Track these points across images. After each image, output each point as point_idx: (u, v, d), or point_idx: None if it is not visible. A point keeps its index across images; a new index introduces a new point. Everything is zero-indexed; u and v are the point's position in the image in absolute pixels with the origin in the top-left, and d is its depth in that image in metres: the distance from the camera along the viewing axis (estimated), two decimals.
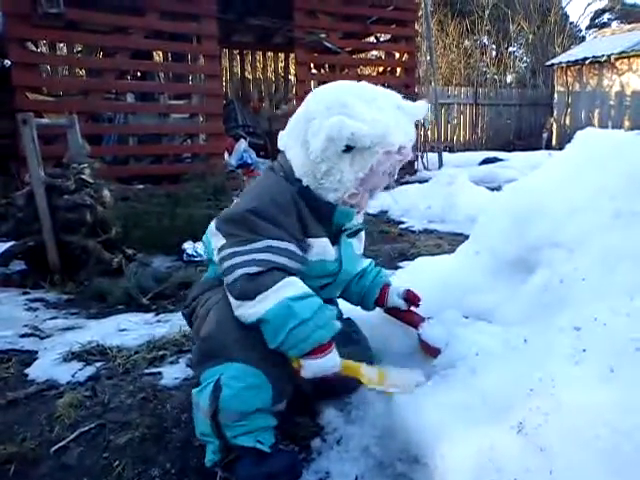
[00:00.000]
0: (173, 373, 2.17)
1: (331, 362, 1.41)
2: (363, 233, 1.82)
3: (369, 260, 1.98)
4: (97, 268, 3.51)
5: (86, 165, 3.71)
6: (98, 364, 2.25)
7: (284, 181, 1.55)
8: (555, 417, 1.17)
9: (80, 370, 2.19)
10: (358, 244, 1.79)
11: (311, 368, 1.38)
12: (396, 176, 1.62)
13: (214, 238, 1.52)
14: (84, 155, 3.84)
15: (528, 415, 1.21)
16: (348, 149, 1.45)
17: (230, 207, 1.57)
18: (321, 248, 1.57)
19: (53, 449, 1.67)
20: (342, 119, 1.40)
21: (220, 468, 1.49)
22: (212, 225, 1.56)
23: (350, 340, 1.77)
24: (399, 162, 1.56)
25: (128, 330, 2.67)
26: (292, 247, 1.44)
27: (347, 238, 1.70)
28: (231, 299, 1.40)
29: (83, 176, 3.63)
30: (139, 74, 8.43)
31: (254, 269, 1.36)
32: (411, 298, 1.87)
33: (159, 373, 2.17)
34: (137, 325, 2.74)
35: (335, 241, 1.64)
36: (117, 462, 1.60)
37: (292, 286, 1.37)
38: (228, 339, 1.41)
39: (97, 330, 2.65)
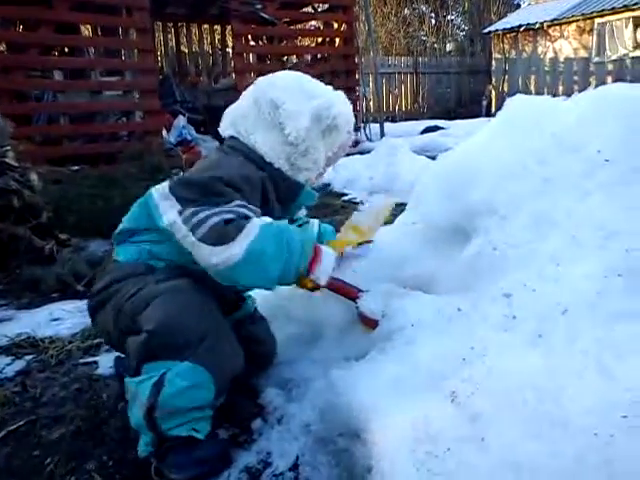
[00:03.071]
0: (109, 361, 2.06)
1: (330, 254, 1.60)
2: None
3: None
4: (28, 256, 3.34)
5: (9, 148, 3.50)
6: (29, 357, 2.16)
7: (249, 163, 1.58)
8: (486, 385, 1.18)
9: (9, 365, 2.09)
10: None
11: (324, 272, 1.57)
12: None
13: (164, 202, 1.44)
14: (6, 137, 3.62)
15: (460, 384, 1.22)
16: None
17: (186, 174, 1.52)
18: None
19: None
20: (329, 100, 1.60)
21: (154, 458, 1.44)
22: (160, 188, 1.49)
23: (252, 317, 1.86)
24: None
25: (62, 319, 2.58)
26: (258, 211, 1.47)
27: None
28: (207, 248, 1.34)
29: (6, 159, 3.43)
30: (66, 50, 8.00)
31: (230, 216, 1.36)
32: None
33: (95, 362, 2.11)
34: (71, 314, 2.63)
35: None
36: (49, 459, 1.54)
37: (264, 218, 1.42)
38: (180, 336, 1.35)
39: (28, 321, 2.54)
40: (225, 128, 1.69)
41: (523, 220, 1.75)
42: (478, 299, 1.52)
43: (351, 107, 1.72)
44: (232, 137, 1.66)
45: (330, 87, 1.72)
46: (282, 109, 1.58)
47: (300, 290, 1.98)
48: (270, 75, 1.71)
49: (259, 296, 1.95)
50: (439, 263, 2.00)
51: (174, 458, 1.41)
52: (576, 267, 1.42)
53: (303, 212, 1.84)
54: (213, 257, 1.34)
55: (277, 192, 1.62)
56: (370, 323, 1.77)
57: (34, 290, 3.04)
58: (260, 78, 1.71)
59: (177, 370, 1.34)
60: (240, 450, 1.53)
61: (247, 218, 1.38)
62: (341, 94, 1.71)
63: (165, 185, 1.49)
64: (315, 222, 2.03)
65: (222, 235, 1.33)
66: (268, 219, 1.43)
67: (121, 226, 1.62)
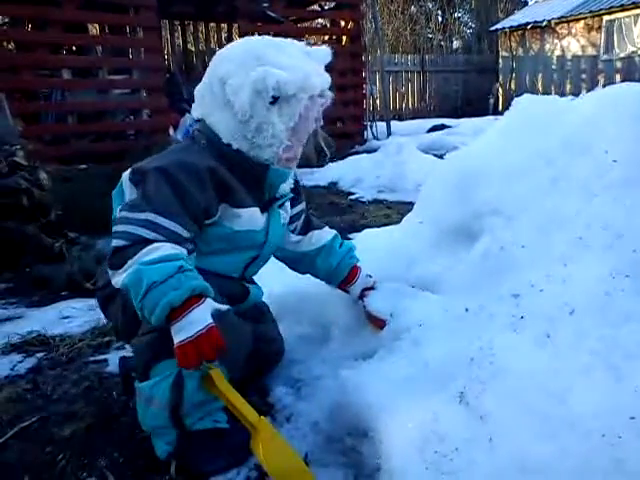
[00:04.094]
0: None
1: (197, 316, 1.23)
2: (288, 204, 1.74)
3: (333, 232, 1.95)
4: (38, 254, 3.37)
5: (19, 147, 3.53)
6: (39, 355, 2.17)
7: (203, 151, 1.49)
8: (493, 385, 1.19)
9: (20, 362, 2.11)
10: (285, 215, 1.72)
11: (184, 326, 1.22)
12: (321, 122, 1.61)
13: (129, 190, 1.42)
14: (16, 136, 3.65)
15: (468, 384, 1.23)
16: (274, 100, 1.44)
17: (142, 162, 1.46)
18: (249, 218, 1.53)
19: None
20: (265, 69, 1.40)
21: (174, 458, 1.44)
22: (126, 177, 1.45)
23: (263, 317, 1.82)
24: (322, 106, 1.57)
25: (72, 317, 2.59)
26: (173, 225, 1.33)
27: (278, 209, 1.65)
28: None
29: (16, 158, 3.45)
30: (74, 48, 8.03)
31: (122, 243, 1.29)
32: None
33: (105, 360, 2.12)
34: (81, 311, 2.65)
35: (265, 210, 1.60)
36: (61, 455, 1.55)
37: (150, 253, 1.26)
38: None
39: (38, 319, 2.56)
40: (194, 110, 1.59)
41: (531, 220, 1.76)
42: (486, 299, 1.53)
43: (308, 68, 1.49)
44: (200, 119, 1.56)
45: (297, 47, 1.54)
46: (228, 84, 1.44)
47: (310, 291, 2.01)
48: (227, 45, 1.59)
49: (270, 296, 1.96)
50: (447, 263, 2.01)
51: (204, 451, 1.43)
52: (584, 268, 1.42)
53: (287, 188, 1.66)
54: (110, 276, 1.33)
55: (239, 175, 1.50)
56: (378, 322, 1.78)
57: (44, 288, 3.06)
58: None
59: None
60: None
61: (145, 242, 1.28)
62: (298, 55, 1.52)
63: (128, 171, 1.45)
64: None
65: (110, 263, 1.31)
66: (159, 253, 1.27)
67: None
